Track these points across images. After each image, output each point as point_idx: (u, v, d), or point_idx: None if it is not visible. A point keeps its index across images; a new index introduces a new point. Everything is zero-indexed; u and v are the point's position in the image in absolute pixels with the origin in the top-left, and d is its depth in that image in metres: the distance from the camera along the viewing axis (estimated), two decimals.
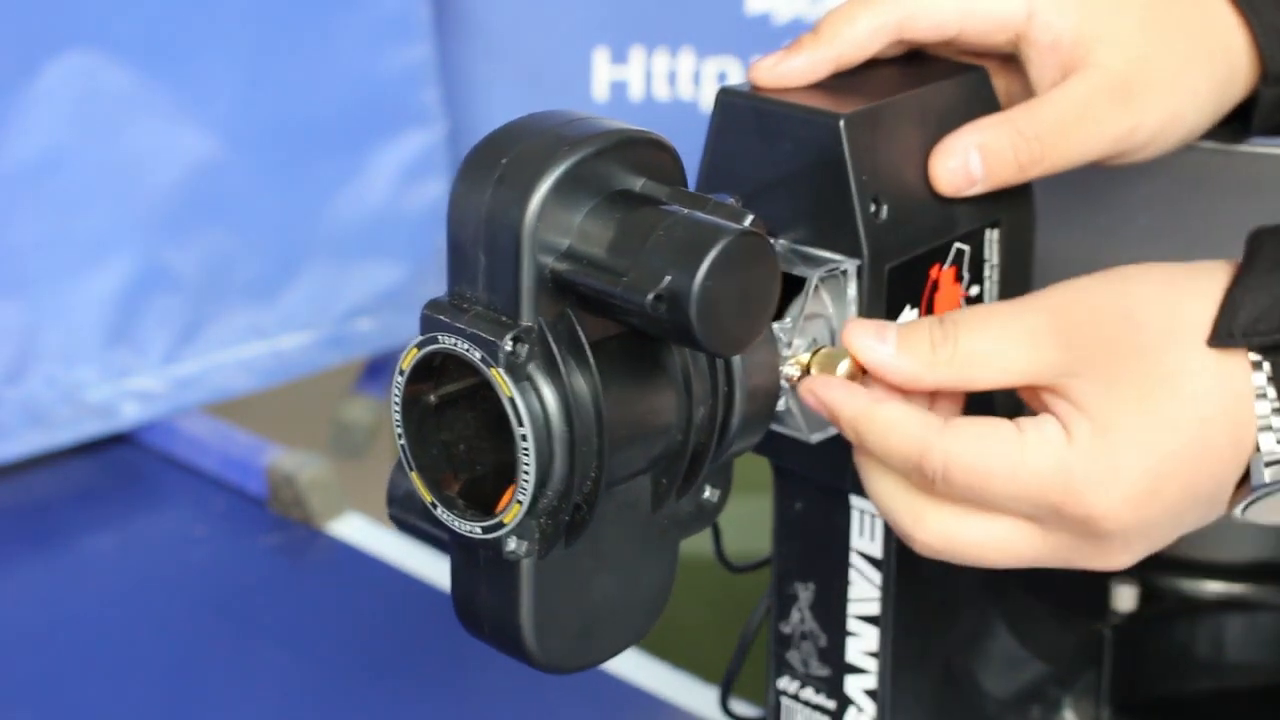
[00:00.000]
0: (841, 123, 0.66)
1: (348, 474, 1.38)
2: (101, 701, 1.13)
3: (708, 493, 0.67)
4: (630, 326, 0.59)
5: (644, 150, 0.60)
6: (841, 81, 0.70)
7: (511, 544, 0.60)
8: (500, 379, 0.57)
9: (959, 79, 0.71)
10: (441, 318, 0.59)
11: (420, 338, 0.60)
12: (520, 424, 0.58)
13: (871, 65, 0.72)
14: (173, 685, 1.16)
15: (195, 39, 1.44)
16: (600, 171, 0.59)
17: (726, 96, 0.70)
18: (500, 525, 0.59)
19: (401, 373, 0.60)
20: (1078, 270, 0.93)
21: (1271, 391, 0.61)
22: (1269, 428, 0.61)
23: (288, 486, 1.33)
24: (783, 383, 0.66)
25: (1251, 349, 0.61)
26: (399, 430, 0.61)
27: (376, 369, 1.75)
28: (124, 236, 1.43)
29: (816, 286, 0.67)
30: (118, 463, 1.44)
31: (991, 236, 0.72)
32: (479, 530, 0.60)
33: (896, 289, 0.68)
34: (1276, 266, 0.62)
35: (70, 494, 1.40)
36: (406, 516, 0.67)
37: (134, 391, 1.46)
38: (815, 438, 0.69)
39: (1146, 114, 0.70)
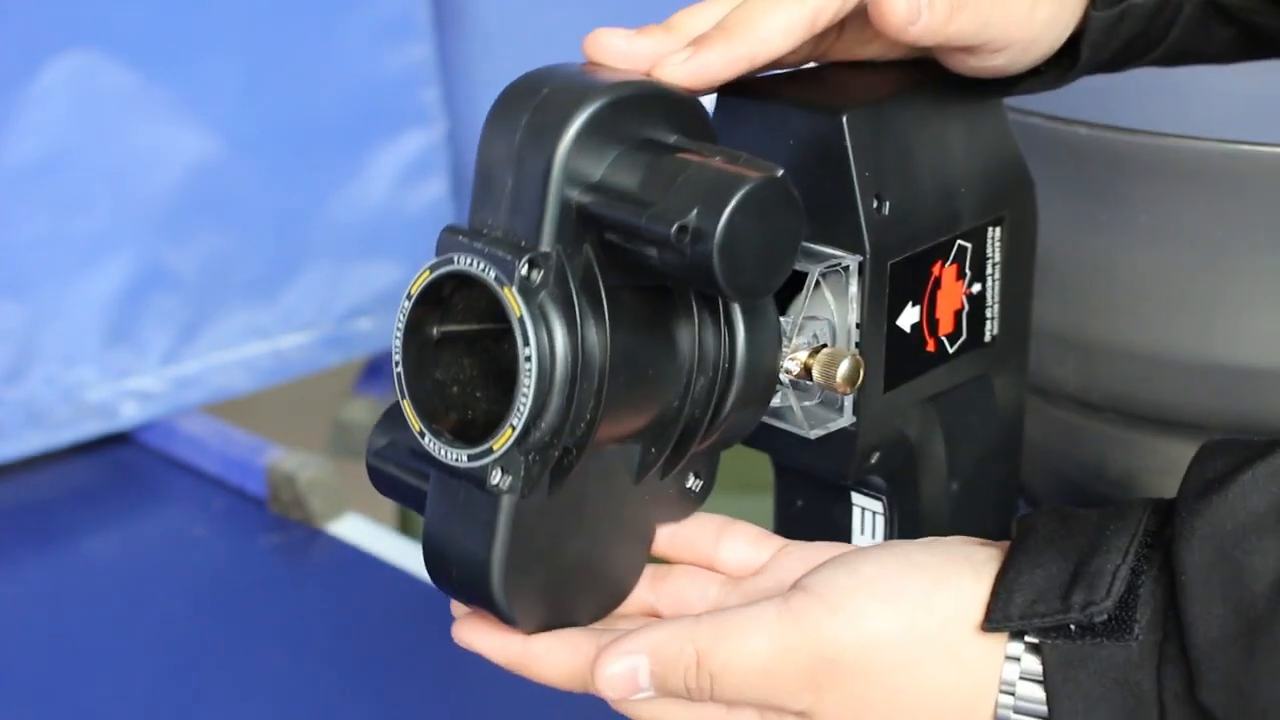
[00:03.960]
0: (844, 119, 0.66)
1: (348, 474, 1.37)
2: (101, 701, 1.13)
3: (691, 481, 0.67)
4: (649, 269, 0.59)
5: (679, 106, 0.61)
6: (843, 79, 0.70)
7: (496, 476, 0.59)
8: (512, 298, 0.57)
9: (961, 77, 0.71)
10: (459, 238, 0.59)
11: (434, 260, 0.60)
12: (526, 344, 0.57)
13: (873, 64, 0.72)
14: (173, 685, 1.16)
15: (195, 39, 1.44)
16: (635, 117, 0.59)
17: (728, 94, 0.69)
18: (489, 452, 0.59)
19: (409, 297, 0.60)
20: (1079, 269, 0.93)
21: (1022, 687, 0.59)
22: None
23: (288, 486, 1.33)
24: (782, 377, 0.66)
25: (1029, 632, 0.59)
26: (397, 357, 0.61)
27: (376, 369, 1.75)
28: (124, 236, 1.43)
29: (818, 282, 0.66)
30: (118, 463, 1.44)
31: (994, 234, 0.72)
32: (465, 459, 0.59)
33: (898, 285, 0.68)
34: (1049, 544, 0.60)
35: (70, 494, 1.40)
36: (384, 465, 0.66)
37: (133, 391, 1.46)
38: (815, 434, 0.69)
39: (1005, 25, 0.68)
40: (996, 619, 0.59)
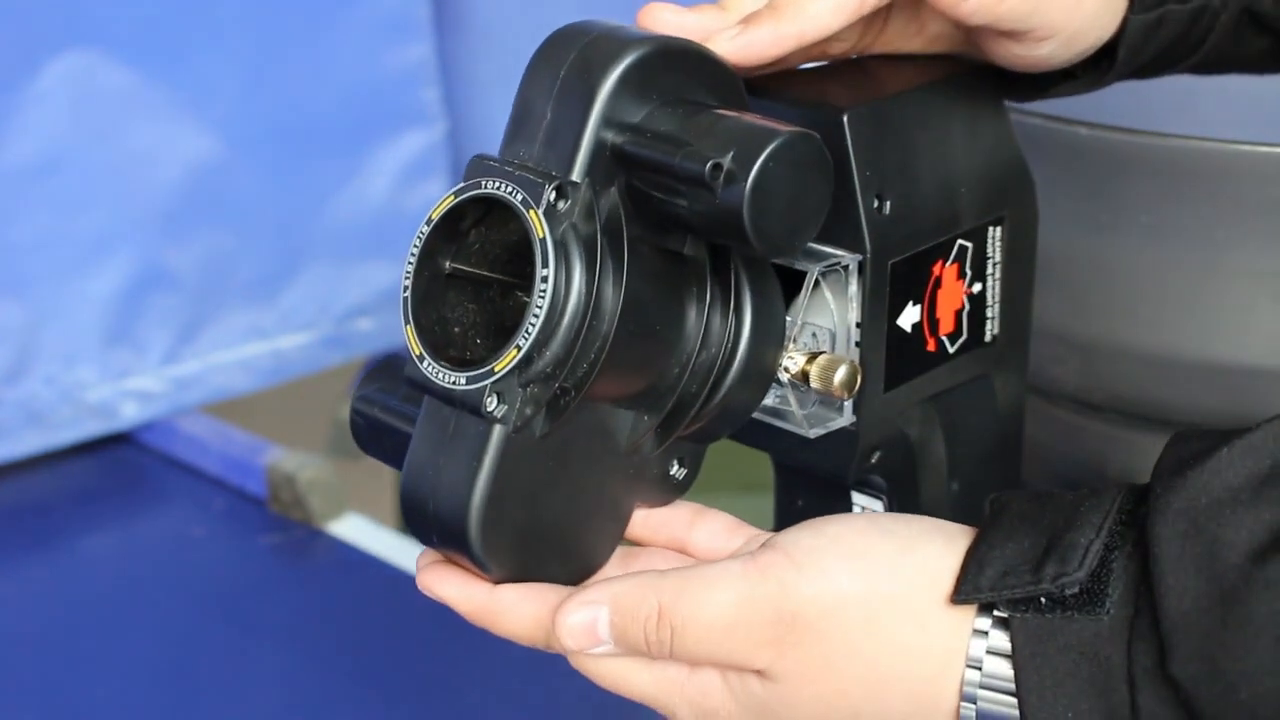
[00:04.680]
0: (845, 117, 0.66)
1: (348, 474, 1.37)
2: (101, 701, 1.13)
3: (675, 469, 0.67)
4: (675, 220, 0.59)
5: (720, 74, 0.62)
6: (845, 77, 0.70)
7: (492, 403, 0.59)
8: (536, 220, 0.58)
9: (963, 77, 0.71)
10: (489, 163, 0.60)
11: (460, 185, 0.60)
12: (544, 265, 0.57)
13: (875, 61, 0.72)
14: (172, 685, 1.16)
15: (195, 39, 1.43)
16: (677, 74, 0.61)
17: None
18: (489, 374, 0.58)
19: (429, 222, 0.60)
20: (1079, 269, 0.93)
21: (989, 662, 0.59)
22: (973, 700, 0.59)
23: (288, 486, 1.33)
24: (781, 375, 0.66)
25: (999, 605, 0.59)
26: (407, 282, 0.61)
27: None
28: (124, 236, 1.43)
29: (817, 281, 0.66)
30: (118, 463, 1.44)
31: (995, 233, 0.72)
32: (464, 380, 0.59)
33: (899, 285, 0.68)
34: (1023, 520, 0.60)
35: (70, 494, 1.40)
36: (369, 409, 0.66)
37: (133, 391, 1.46)
38: (815, 434, 0.69)
39: (1053, 11, 0.69)
40: (966, 591, 0.59)
